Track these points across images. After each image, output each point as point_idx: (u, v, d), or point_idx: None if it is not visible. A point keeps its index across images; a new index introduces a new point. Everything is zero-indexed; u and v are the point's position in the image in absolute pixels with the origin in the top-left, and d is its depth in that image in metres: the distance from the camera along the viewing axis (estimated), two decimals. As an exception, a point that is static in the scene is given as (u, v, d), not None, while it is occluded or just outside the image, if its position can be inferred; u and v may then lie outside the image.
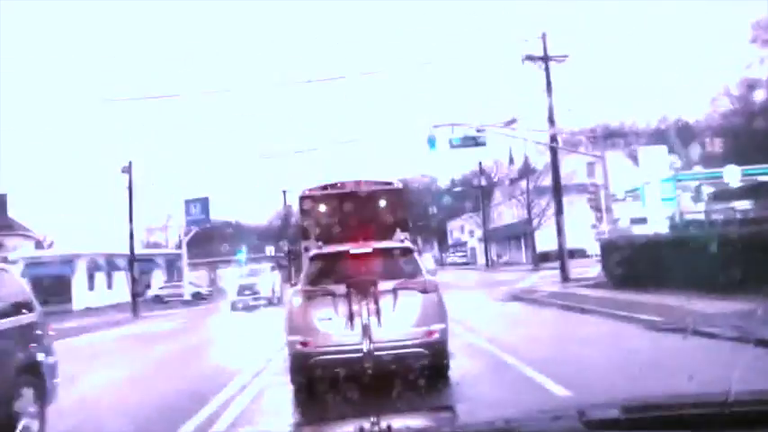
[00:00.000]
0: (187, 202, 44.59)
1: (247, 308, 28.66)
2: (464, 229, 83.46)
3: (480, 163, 57.88)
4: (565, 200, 27.70)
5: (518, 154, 59.65)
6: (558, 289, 22.06)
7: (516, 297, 21.09)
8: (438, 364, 8.42)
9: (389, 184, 14.84)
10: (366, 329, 7.92)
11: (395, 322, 8.17)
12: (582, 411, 2.68)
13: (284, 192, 58.13)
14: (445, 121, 24.50)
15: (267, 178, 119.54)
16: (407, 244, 9.55)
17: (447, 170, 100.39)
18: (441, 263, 71.54)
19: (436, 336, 8.30)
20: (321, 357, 8.08)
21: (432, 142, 23.23)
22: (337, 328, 8.06)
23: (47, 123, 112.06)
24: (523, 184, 50.06)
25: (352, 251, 9.14)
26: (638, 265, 17.71)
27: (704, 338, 10.08)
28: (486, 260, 59.05)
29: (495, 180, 63.45)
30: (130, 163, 32.54)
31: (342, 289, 8.14)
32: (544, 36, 24.56)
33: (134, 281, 33.58)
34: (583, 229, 44.34)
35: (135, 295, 32.83)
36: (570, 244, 27.41)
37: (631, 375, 7.73)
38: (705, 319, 11.29)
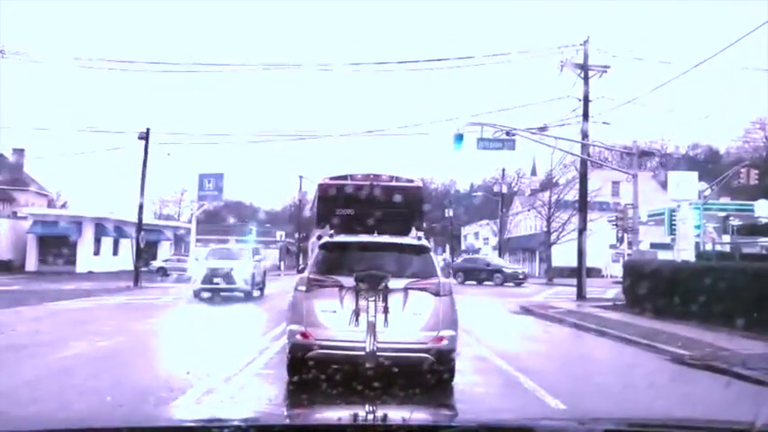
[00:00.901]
0: (201, 176, 44.24)
1: (216, 299, 22.40)
2: (479, 235, 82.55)
3: (504, 170, 56.93)
4: (586, 217, 26.64)
5: (540, 166, 58.89)
6: (573, 307, 21.21)
7: (529, 311, 20.32)
8: (442, 373, 7.99)
9: (409, 180, 14.65)
10: (371, 327, 7.44)
11: (403, 323, 7.69)
12: (583, 422, 2.76)
13: (300, 177, 57.69)
14: (473, 123, 23.71)
15: (286, 163, 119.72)
16: (424, 242, 8.87)
17: (467, 174, 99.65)
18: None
19: (445, 342, 7.82)
20: (321, 351, 7.64)
21: (458, 140, 22.32)
22: (341, 323, 7.60)
23: (73, 82, 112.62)
24: (545, 195, 48.98)
25: (364, 242, 8.76)
26: (662, 292, 16.76)
27: (738, 380, 9.30)
28: (499, 270, 57.93)
29: (516, 189, 62.44)
30: (148, 130, 31.99)
31: (350, 281, 7.62)
32: (586, 42, 23.52)
33: (139, 250, 32.92)
34: (600, 249, 43.42)
35: (138, 265, 32.19)
36: (587, 262, 26.41)
37: (655, 411, 7.04)
38: (739, 360, 10.41)
